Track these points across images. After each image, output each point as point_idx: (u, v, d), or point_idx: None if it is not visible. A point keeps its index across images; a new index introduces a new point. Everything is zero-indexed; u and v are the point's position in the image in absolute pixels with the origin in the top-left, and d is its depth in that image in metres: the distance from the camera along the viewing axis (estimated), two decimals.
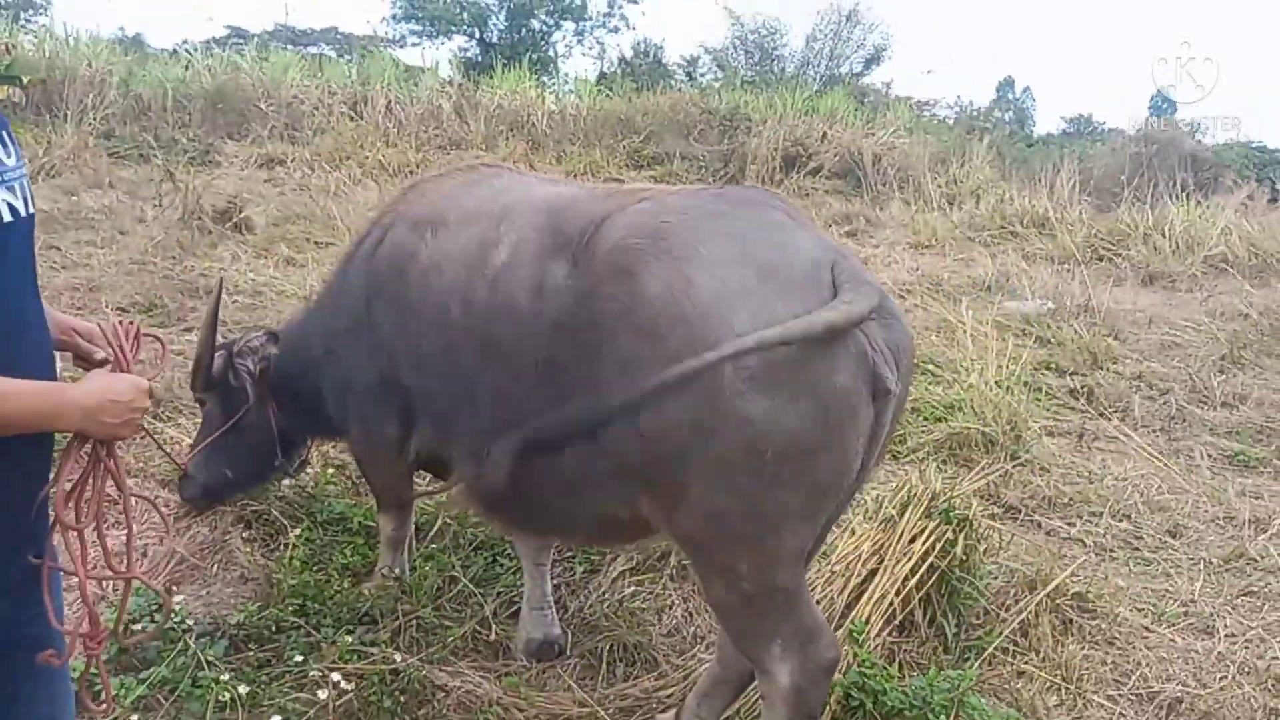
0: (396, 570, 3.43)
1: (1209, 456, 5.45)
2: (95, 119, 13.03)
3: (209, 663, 2.78)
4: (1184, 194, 13.44)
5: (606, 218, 2.40)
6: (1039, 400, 6.13)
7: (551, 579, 3.36)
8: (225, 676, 2.69)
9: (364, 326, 3.03)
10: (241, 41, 20.76)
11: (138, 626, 2.77)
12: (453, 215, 2.87)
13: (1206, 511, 4.65)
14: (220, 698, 2.60)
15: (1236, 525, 4.50)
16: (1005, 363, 5.91)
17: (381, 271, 2.98)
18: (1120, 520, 4.46)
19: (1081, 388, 6.46)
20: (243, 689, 2.65)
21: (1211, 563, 4.11)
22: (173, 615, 2.83)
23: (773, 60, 25.30)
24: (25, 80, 12.48)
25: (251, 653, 2.94)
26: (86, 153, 11.45)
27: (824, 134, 16.11)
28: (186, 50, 18.23)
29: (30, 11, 28.04)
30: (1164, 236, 11.54)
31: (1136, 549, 4.24)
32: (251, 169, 12.75)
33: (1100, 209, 13.95)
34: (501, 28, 26.03)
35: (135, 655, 2.81)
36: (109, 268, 7.39)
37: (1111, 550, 4.20)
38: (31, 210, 1.74)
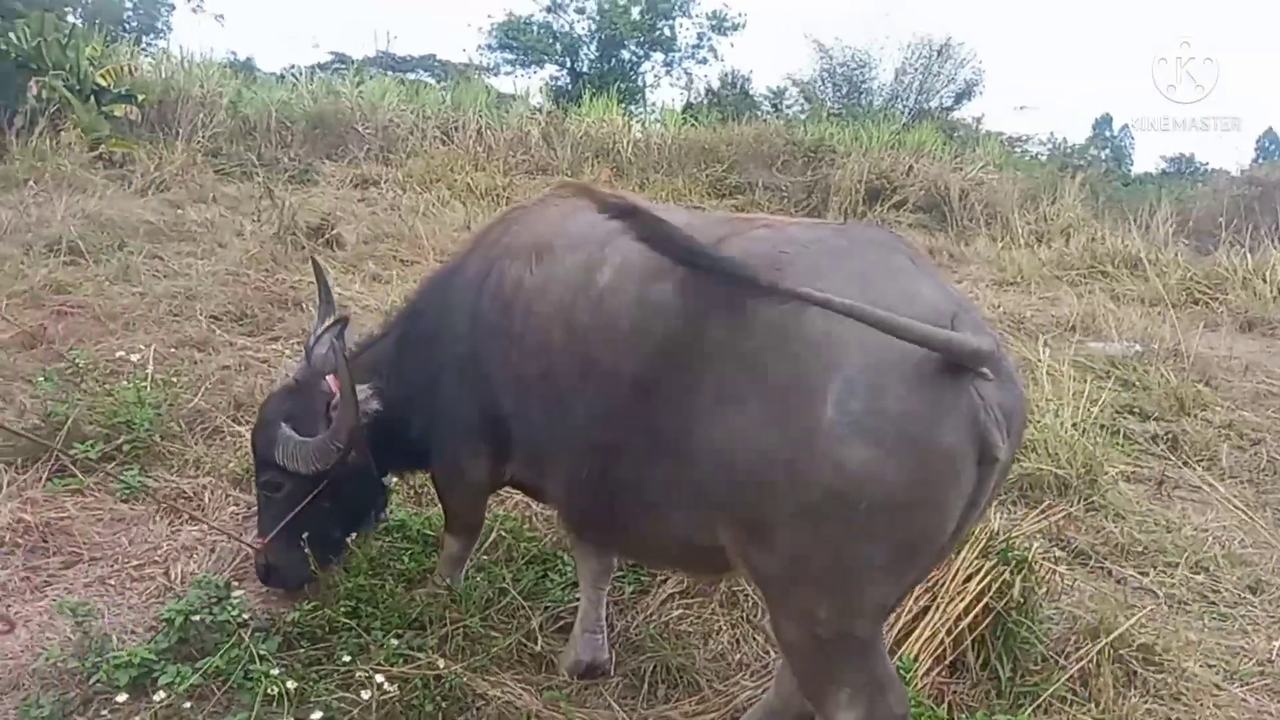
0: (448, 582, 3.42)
1: None
2: (204, 137, 13.71)
3: (261, 657, 2.88)
4: None
5: (722, 241, 2.35)
6: (1119, 445, 5.92)
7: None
8: (275, 671, 2.77)
9: (467, 358, 2.97)
10: (344, 67, 21.55)
11: (196, 618, 2.88)
12: (559, 241, 2.82)
13: None
14: (269, 691, 2.68)
15: None
16: (1084, 404, 5.73)
17: (487, 303, 2.92)
18: (1197, 573, 4.27)
19: (1165, 434, 6.21)
20: (291, 684, 2.73)
21: None
22: (230, 609, 2.93)
23: (860, 93, 25.20)
24: (142, 99, 13.17)
25: (303, 650, 3.04)
26: (194, 169, 12.05)
27: (910, 167, 15.96)
28: (292, 75, 19.02)
29: (151, 35, 29.69)
30: (1265, 282, 11.08)
31: (1213, 603, 4.05)
32: (346, 188, 13.23)
33: (1199, 251, 13.45)
34: (592, 58, 26.56)
35: (193, 645, 2.92)
36: (206, 278, 7.73)
37: (1185, 603, 4.02)
38: None
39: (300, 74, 18.64)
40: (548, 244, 2.84)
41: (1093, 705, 3.15)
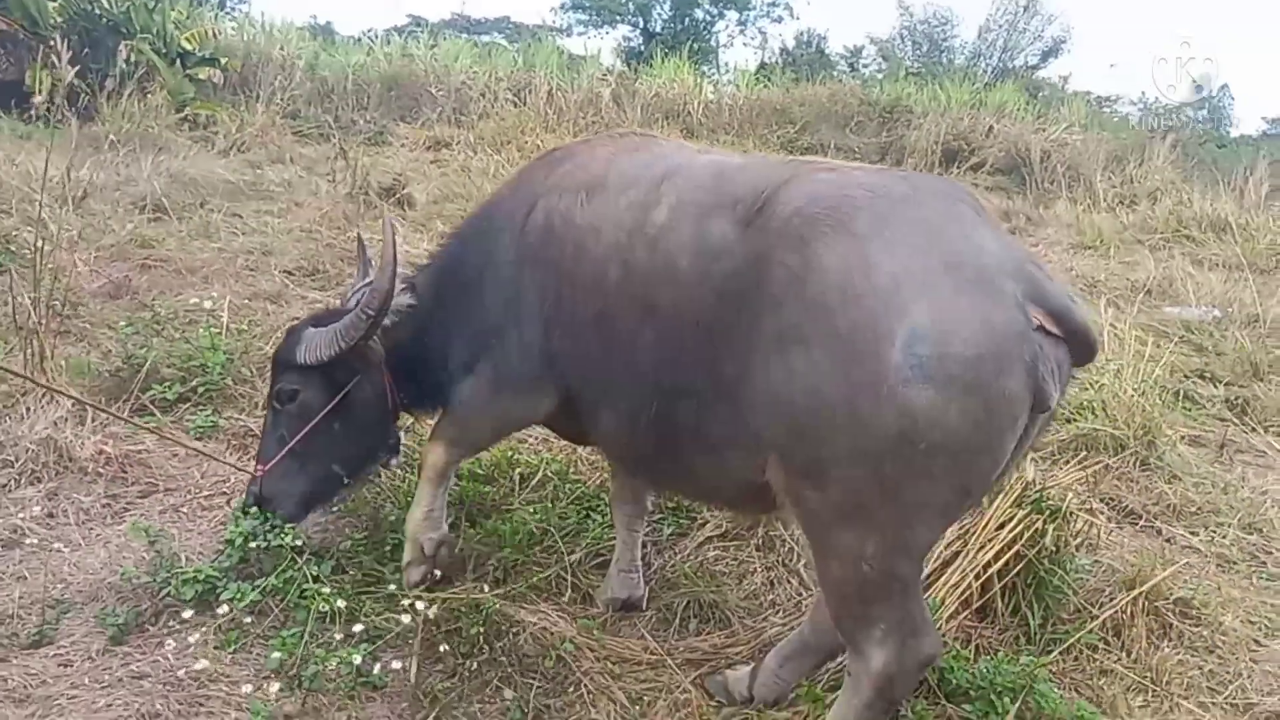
0: (437, 510, 3.21)
1: None
2: (283, 100, 14.04)
3: (315, 578, 3.07)
4: None
5: (785, 183, 2.36)
6: (1185, 408, 5.79)
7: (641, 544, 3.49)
8: (327, 590, 2.95)
9: (512, 292, 2.93)
10: (420, 30, 21.81)
11: (255, 543, 3.08)
12: (612, 179, 2.80)
13: None
14: (320, 609, 2.86)
15: None
16: (1146, 365, 5.60)
17: (534, 239, 2.89)
18: (1250, 534, 4.19)
19: (1235, 399, 6.05)
20: (341, 604, 2.91)
21: None
22: (285, 534, 3.11)
23: (941, 51, 24.57)
24: (225, 63, 13.55)
25: (352, 575, 3.23)
26: (273, 130, 12.39)
27: (990, 128, 15.53)
28: (369, 38, 19.32)
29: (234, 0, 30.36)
30: None
31: (1262, 563, 3.98)
32: (419, 150, 13.46)
33: None
34: (665, 17, 26.34)
35: (253, 566, 3.13)
36: (281, 235, 8.02)
37: (1234, 562, 3.96)
38: None
39: (376, 37, 18.93)
40: (599, 182, 2.81)
41: (1124, 654, 3.16)
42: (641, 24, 26.37)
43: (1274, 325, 7.64)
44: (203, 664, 2.64)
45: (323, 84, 15.77)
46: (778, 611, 3.35)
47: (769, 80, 18.58)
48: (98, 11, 12.25)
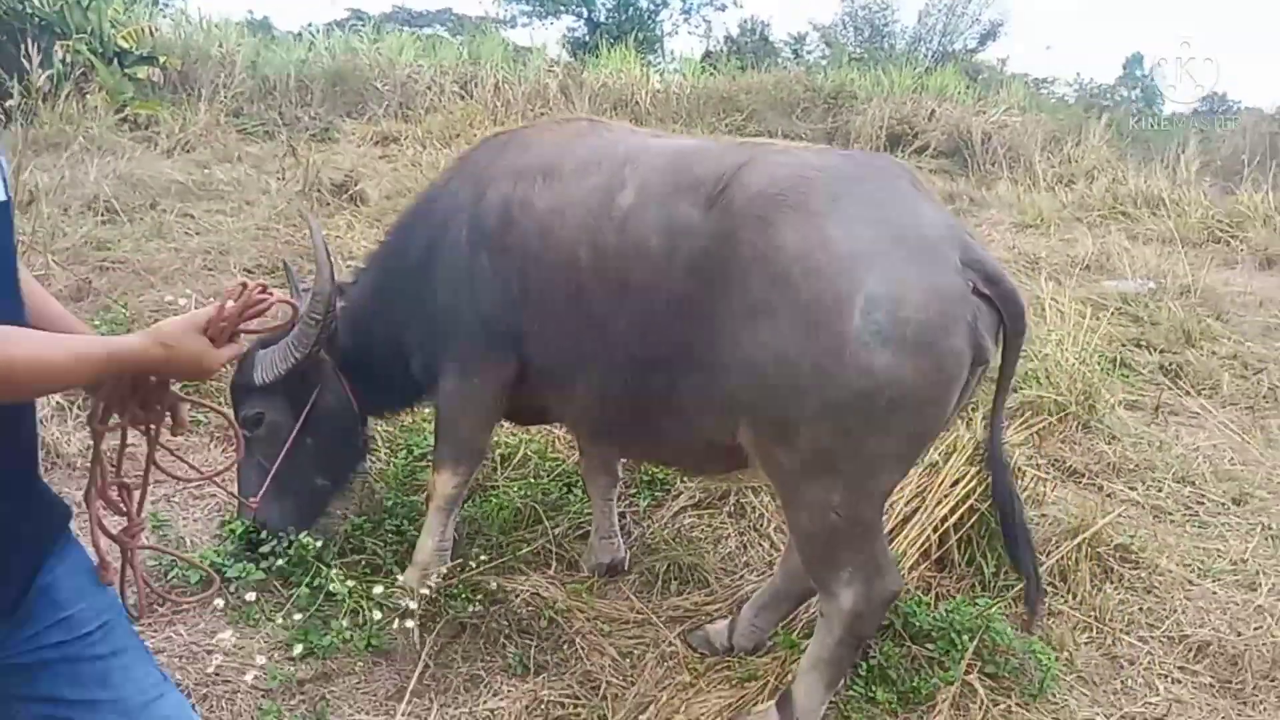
0: (447, 543, 3.24)
1: None
2: (226, 98, 13.81)
3: (320, 561, 3.21)
4: None
5: (744, 165, 2.53)
6: (1123, 375, 6.12)
7: (618, 510, 3.68)
8: (333, 572, 3.10)
9: (465, 279, 2.97)
10: (361, 23, 21.62)
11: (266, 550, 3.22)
12: (568, 164, 2.87)
13: (1278, 484, 4.64)
14: (331, 590, 3.01)
15: None
16: (1085, 336, 5.92)
17: (491, 224, 2.93)
18: (1183, 486, 4.51)
19: (1170, 365, 6.41)
20: (350, 584, 3.07)
21: (1270, 528, 4.14)
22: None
23: (883, 37, 24.98)
24: (163, 61, 13.33)
25: (353, 558, 3.38)
26: (217, 129, 12.22)
27: (932, 112, 15.86)
28: (310, 33, 19.13)
29: None
30: None
31: (1194, 513, 4.29)
32: (367, 145, 13.40)
33: (1227, 191, 13.40)
34: (609, 7, 26.34)
35: (257, 551, 3.27)
36: (236, 234, 8.03)
37: (1169, 512, 4.27)
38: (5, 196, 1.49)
39: (317, 32, 18.73)
40: (554, 166, 2.88)
41: (1070, 596, 3.44)
42: (585, 14, 26.39)
43: (1204, 295, 8.06)
44: (216, 638, 2.78)
45: (265, 81, 15.51)
46: (752, 571, 3.57)
47: (715, 68, 18.77)
48: (29, 10, 11.99)
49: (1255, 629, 3.37)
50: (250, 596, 3.00)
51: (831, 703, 2.78)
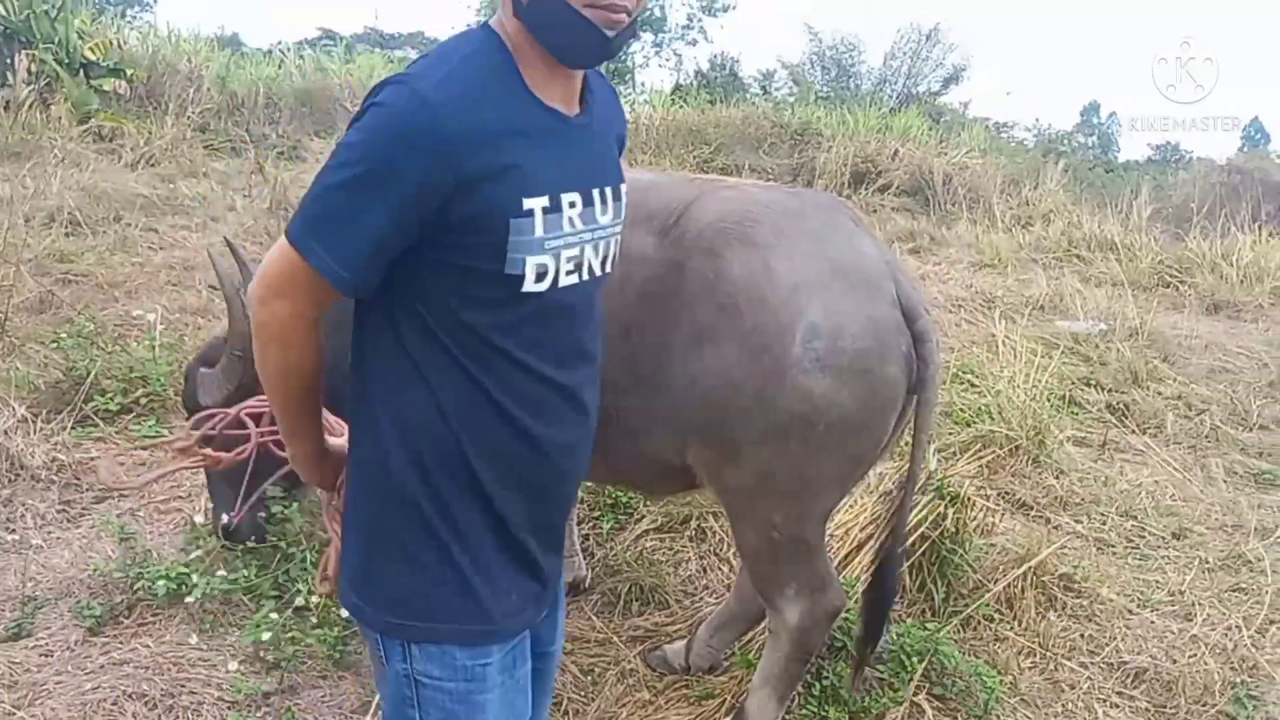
0: None
1: (1234, 473, 5.58)
2: (193, 113, 13.74)
3: (288, 572, 3.24)
4: (1258, 225, 13.27)
5: (695, 200, 2.67)
6: (1074, 413, 6.33)
7: (580, 533, 3.77)
8: (300, 585, 3.14)
9: None
10: (332, 43, 21.66)
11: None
12: None
13: (1216, 519, 4.83)
14: (297, 603, 3.05)
15: (1244, 533, 4.67)
16: (1037, 374, 6.12)
17: None
18: (1126, 520, 4.68)
19: (1117, 404, 6.62)
20: (315, 599, 3.10)
21: (1207, 561, 4.31)
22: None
23: (849, 77, 25.47)
24: (130, 74, 13.26)
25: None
26: (184, 144, 12.13)
27: (896, 151, 16.20)
28: (280, 50, 19.11)
29: (136, 8, 29.52)
30: (1231, 266, 11.48)
31: (1136, 545, 4.46)
32: None
33: (1178, 237, 13.83)
34: None
35: (225, 562, 3.30)
36: (202, 250, 8.03)
37: (1112, 545, 4.43)
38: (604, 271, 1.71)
39: (287, 50, 18.72)
40: None
41: (1016, 623, 3.57)
42: None
43: (1152, 337, 8.33)
44: (182, 649, 2.81)
45: (233, 97, 15.49)
46: (711, 594, 3.66)
47: (684, 101, 19.08)
48: None
49: (1190, 657, 3.51)
50: (216, 608, 3.04)
51: (785, 719, 2.88)
